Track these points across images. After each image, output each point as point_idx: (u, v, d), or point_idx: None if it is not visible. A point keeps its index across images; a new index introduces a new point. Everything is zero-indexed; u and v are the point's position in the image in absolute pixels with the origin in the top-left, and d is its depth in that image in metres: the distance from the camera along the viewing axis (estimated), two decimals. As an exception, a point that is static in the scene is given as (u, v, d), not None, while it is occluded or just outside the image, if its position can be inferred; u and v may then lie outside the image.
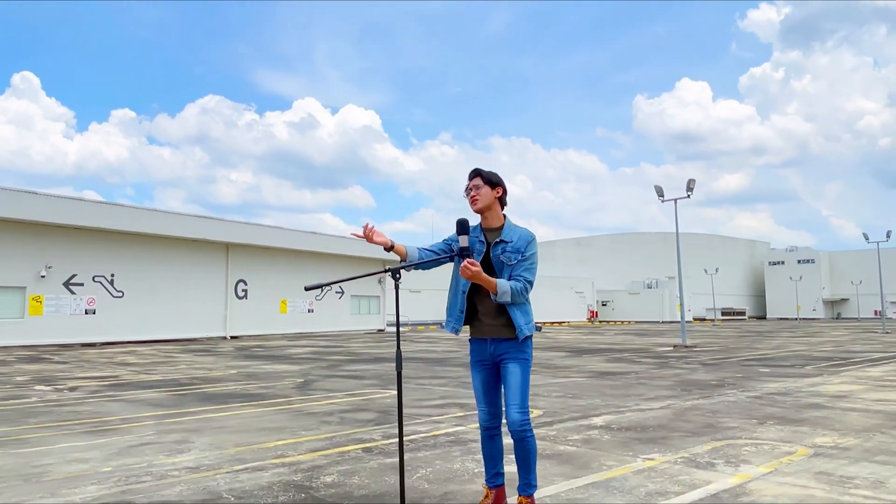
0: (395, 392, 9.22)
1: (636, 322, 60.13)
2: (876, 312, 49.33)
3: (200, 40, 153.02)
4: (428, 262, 3.33)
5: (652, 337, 28.59)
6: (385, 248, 3.21)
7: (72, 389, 9.96)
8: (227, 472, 4.54)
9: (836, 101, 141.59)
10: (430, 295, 53.25)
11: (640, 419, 6.76)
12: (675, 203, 20.94)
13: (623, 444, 5.44)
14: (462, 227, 3.32)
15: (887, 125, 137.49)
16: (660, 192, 20.90)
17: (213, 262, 30.48)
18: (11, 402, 8.50)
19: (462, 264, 3.14)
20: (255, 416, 6.96)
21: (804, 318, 77.65)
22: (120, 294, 26.66)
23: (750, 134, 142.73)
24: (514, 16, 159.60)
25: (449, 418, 6.80)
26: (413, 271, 3.47)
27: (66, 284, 25.05)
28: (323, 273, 36.24)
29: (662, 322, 59.80)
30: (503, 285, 3.22)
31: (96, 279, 25.97)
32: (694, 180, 19.82)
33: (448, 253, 3.40)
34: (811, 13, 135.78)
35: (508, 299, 3.23)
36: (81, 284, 25.48)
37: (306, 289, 3.12)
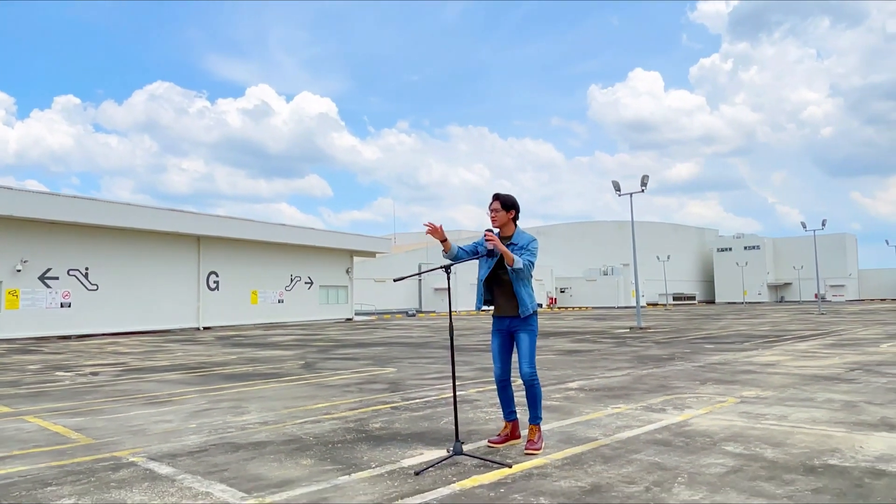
0: (395, 369, 10.52)
1: (593, 308, 62.52)
2: (816, 296, 52.64)
3: (148, 24, 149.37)
4: (464, 259, 4.64)
5: (609, 321, 30.49)
6: (440, 241, 4.49)
7: (94, 374, 10.92)
8: (292, 424, 5.79)
9: (782, 91, 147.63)
10: (394, 284, 54.40)
11: (607, 383, 8.23)
12: (631, 197, 22.68)
13: (595, 399, 6.88)
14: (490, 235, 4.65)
15: (829, 115, 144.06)
16: (617, 187, 22.60)
17: (185, 254, 31.05)
18: (49, 384, 9.47)
19: (486, 235, 4.48)
20: (284, 389, 8.16)
21: (750, 302, 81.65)
22: (94, 287, 27.10)
23: (700, 123, 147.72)
24: (471, 4, 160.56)
25: (450, 386, 8.11)
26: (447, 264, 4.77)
27: (42, 278, 25.42)
28: (294, 264, 37.08)
29: (618, 307, 62.34)
30: (516, 257, 4.51)
31: (71, 273, 26.36)
32: (647, 176, 21.58)
33: (476, 254, 4.72)
34: (758, 5, 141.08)
35: (520, 266, 4.51)
36: (56, 278, 25.87)
37: (395, 280, 4.41)
